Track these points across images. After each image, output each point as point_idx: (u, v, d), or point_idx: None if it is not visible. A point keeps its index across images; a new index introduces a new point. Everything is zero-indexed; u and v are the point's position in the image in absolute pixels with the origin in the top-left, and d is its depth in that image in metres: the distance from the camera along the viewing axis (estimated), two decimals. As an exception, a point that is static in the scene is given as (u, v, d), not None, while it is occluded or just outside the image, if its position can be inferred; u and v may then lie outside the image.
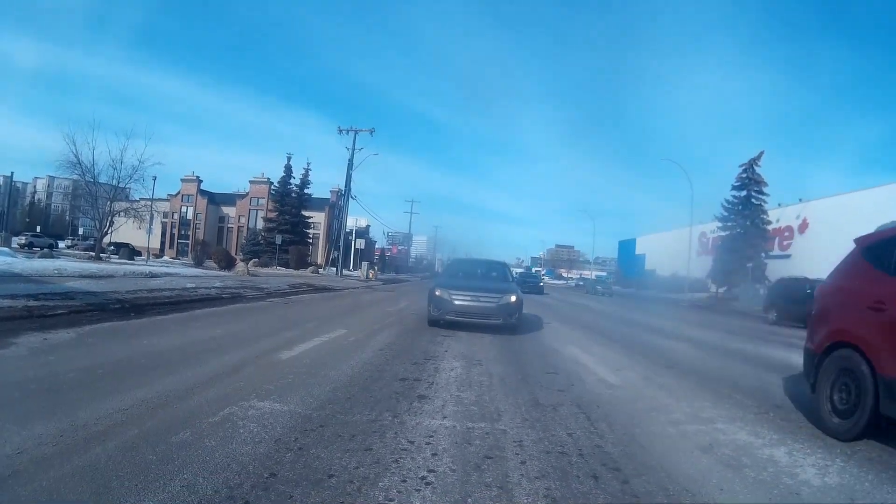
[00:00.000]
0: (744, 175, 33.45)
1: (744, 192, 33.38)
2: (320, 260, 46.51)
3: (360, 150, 32.93)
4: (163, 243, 51.09)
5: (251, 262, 32.79)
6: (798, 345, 5.52)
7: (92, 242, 34.43)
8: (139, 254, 35.31)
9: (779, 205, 33.74)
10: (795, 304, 16.72)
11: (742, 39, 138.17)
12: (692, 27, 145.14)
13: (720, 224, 34.25)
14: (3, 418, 2.88)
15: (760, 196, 33.02)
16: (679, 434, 3.57)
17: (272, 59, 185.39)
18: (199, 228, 50.95)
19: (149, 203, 29.02)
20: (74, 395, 3.43)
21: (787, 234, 32.94)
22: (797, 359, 4.85)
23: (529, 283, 30.01)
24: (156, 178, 27.58)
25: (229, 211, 53.31)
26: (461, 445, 3.03)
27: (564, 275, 68.33)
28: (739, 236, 32.36)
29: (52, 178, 76.63)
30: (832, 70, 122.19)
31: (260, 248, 42.75)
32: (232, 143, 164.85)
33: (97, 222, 26.34)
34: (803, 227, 31.73)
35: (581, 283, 53.85)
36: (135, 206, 29.10)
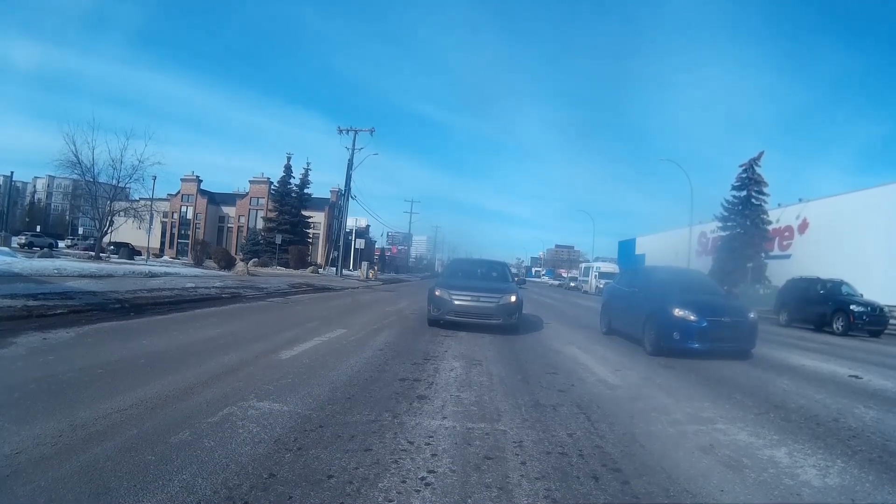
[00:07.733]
0: (744, 175, 33.40)
1: (744, 192, 33.32)
2: (320, 260, 46.52)
3: (359, 149, 32.94)
4: (163, 243, 51.12)
5: (251, 262, 32.84)
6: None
7: (92, 242, 34.42)
8: (139, 253, 35.29)
9: (779, 205, 33.64)
10: (808, 304, 16.09)
11: (742, 38, 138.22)
12: (692, 27, 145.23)
13: (720, 224, 34.18)
14: (2, 418, 2.87)
15: (760, 196, 32.96)
16: (679, 434, 3.56)
17: (273, 60, 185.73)
18: (198, 228, 50.97)
19: (148, 203, 29.00)
20: (73, 395, 3.43)
21: (787, 234, 32.84)
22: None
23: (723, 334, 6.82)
24: (155, 177, 27.53)
25: (229, 211, 53.32)
26: (461, 446, 3.02)
27: (564, 275, 68.23)
28: (739, 236, 32.31)
29: (51, 177, 76.68)
30: (832, 69, 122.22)
31: (260, 248, 42.76)
32: (232, 143, 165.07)
33: (97, 222, 26.37)
34: (803, 227, 31.65)
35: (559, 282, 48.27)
36: (134, 206, 29.11)
